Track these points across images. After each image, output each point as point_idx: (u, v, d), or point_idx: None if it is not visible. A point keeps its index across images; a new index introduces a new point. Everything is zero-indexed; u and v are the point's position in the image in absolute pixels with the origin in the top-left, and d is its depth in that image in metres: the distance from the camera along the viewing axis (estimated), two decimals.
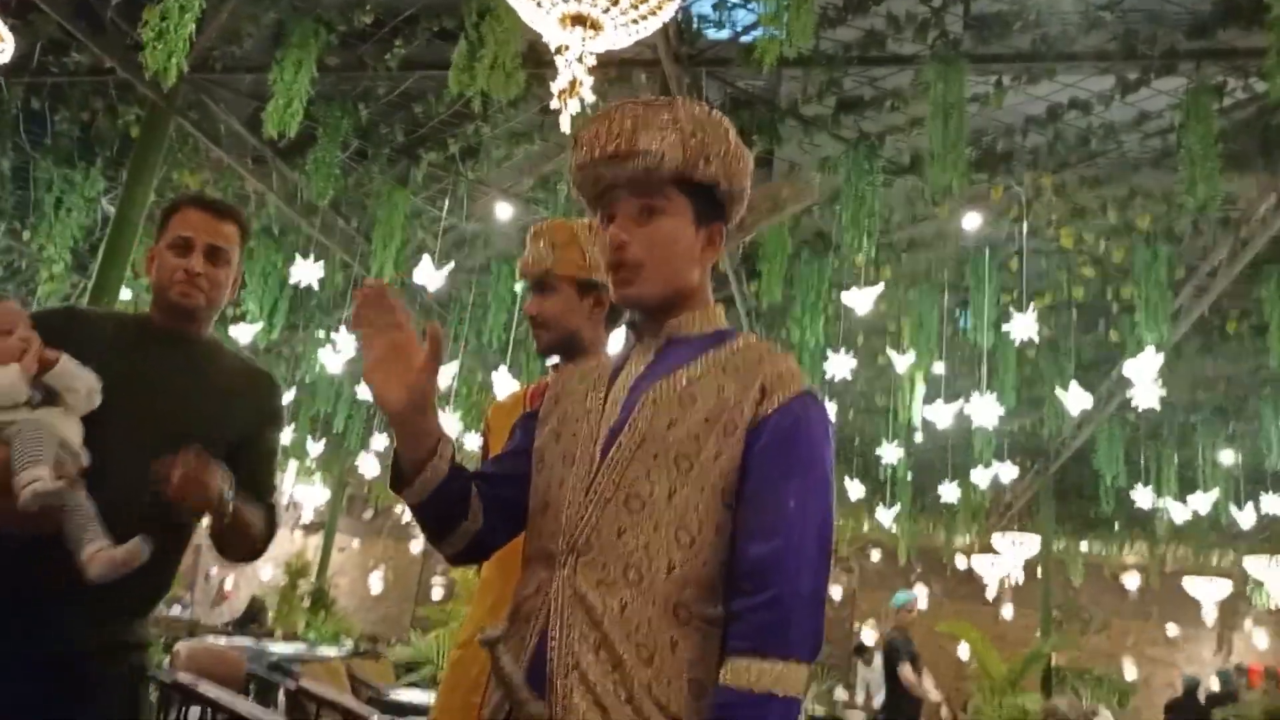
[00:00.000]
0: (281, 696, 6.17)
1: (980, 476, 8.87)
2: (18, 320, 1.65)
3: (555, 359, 1.97)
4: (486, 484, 1.36)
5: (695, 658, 1.16)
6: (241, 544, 1.77)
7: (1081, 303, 7.48)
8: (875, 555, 16.23)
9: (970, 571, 14.07)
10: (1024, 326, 6.09)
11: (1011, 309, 6.38)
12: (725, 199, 1.33)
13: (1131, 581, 15.75)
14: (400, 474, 1.28)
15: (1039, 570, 12.27)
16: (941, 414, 7.42)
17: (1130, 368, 6.10)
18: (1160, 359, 6.00)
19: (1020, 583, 13.27)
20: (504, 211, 6.95)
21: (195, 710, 4.70)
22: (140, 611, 1.73)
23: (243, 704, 3.98)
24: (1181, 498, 10.16)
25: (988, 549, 12.89)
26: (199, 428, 1.75)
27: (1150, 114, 5.46)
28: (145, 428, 1.70)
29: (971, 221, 6.44)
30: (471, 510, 1.32)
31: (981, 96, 5.18)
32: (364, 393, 9.51)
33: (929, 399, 7.73)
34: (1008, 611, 15.11)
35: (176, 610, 13.40)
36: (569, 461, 1.27)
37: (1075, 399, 6.80)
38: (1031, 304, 6.31)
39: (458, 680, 1.82)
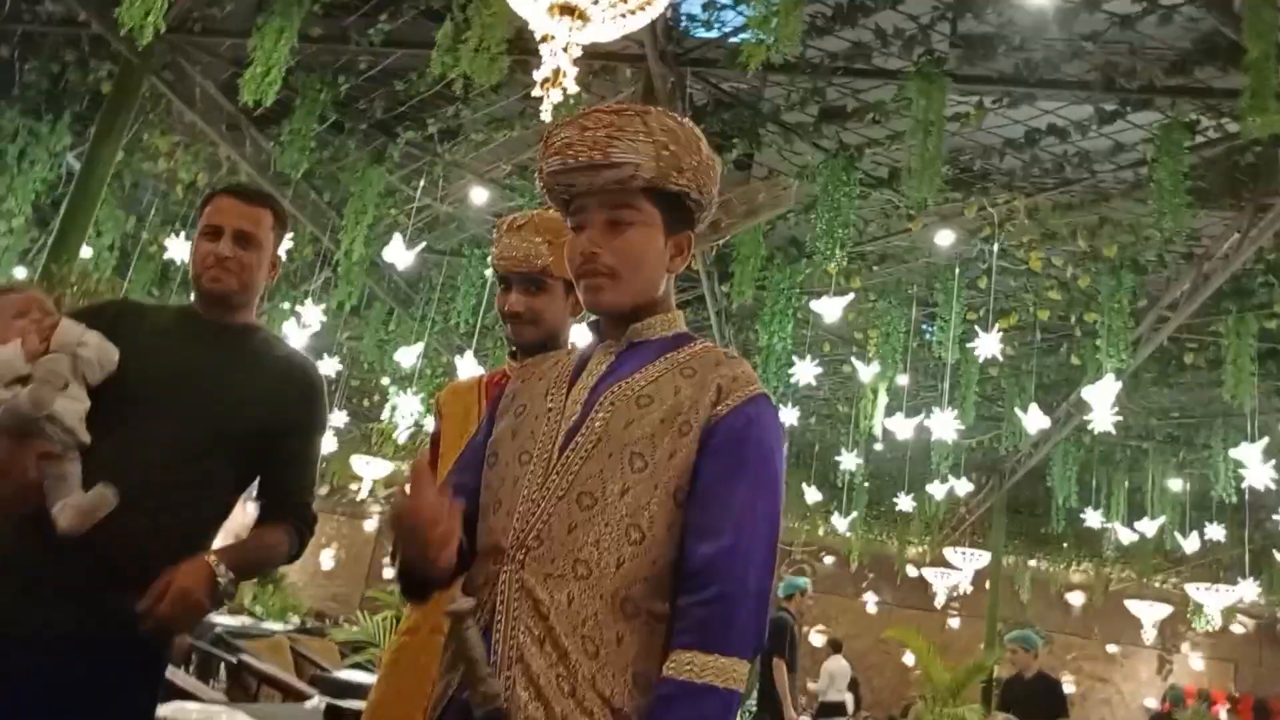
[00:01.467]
0: (223, 670, 6.11)
1: (936, 489, 8.98)
2: (34, 306, 1.68)
3: (515, 349, 1.95)
4: (461, 497, 1.34)
5: (640, 652, 1.17)
6: (266, 572, 1.84)
7: (1045, 324, 7.59)
8: (828, 560, 16.39)
9: (920, 580, 14.26)
10: (989, 345, 6.16)
11: (977, 326, 6.46)
12: (695, 208, 1.34)
13: (1076, 599, 16.08)
14: (423, 586, 1.29)
15: (987, 583, 12.46)
16: (902, 426, 7.49)
17: (1089, 392, 6.20)
18: (1119, 385, 6.11)
19: (968, 593, 13.49)
20: (479, 196, 6.90)
21: None
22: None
23: (179, 676, 3.92)
24: (1129, 521, 10.37)
25: (939, 560, 13.08)
26: (240, 417, 1.78)
27: (1125, 145, 5.54)
28: (187, 417, 1.72)
29: (944, 238, 6.50)
30: (465, 548, 1.30)
31: (962, 115, 5.22)
32: (326, 367, 9.41)
33: (890, 410, 7.81)
34: (955, 621, 15.34)
35: None
36: (525, 459, 1.27)
37: (1034, 419, 6.90)
38: (997, 323, 6.39)
39: (404, 668, 1.80)
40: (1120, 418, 6.45)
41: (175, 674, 3.84)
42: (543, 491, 1.23)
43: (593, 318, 1.41)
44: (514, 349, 1.95)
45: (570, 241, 1.34)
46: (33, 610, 1.55)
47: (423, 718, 1.68)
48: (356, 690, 3.66)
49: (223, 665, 6.13)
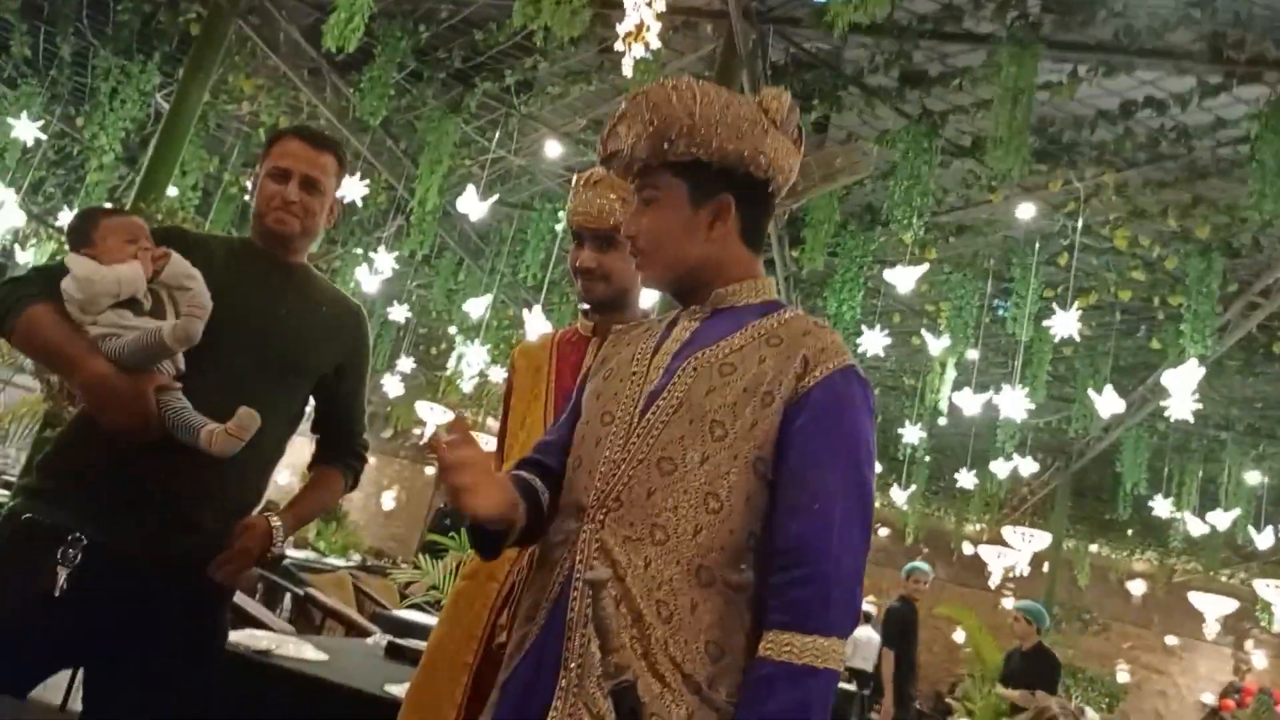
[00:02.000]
0: (288, 601, 6.33)
1: (999, 467, 8.81)
2: (139, 231, 1.73)
3: (587, 306, 1.95)
4: (547, 454, 1.40)
5: (714, 621, 1.18)
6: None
7: (1126, 305, 7.34)
8: (883, 532, 16.28)
9: (976, 558, 14.07)
10: (1066, 323, 5.98)
11: (1054, 305, 6.27)
12: (722, 169, 1.29)
13: (1137, 588, 15.71)
14: (492, 542, 1.31)
15: (1045, 565, 12.25)
16: (969, 401, 7.35)
17: (1169, 377, 5.99)
18: (1201, 371, 5.89)
19: (1025, 574, 13.26)
20: (552, 150, 6.89)
21: None
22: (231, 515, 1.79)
23: (250, 605, 4.08)
24: (1200, 512, 10.06)
25: (996, 539, 12.88)
26: (299, 354, 1.86)
27: (1227, 121, 5.28)
28: (254, 349, 1.78)
29: (1025, 211, 6.30)
30: (545, 503, 1.35)
31: (1054, 84, 5.03)
32: (395, 314, 9.58)
33: (958, 385, 7.66)
34: (1009, 602, 15.14)
35: None
36: (607, 420, 1.29)
37: (1108, 402, 6.70)
38: (1076, 302, 6.19)
39: (460, 612, 1.84)
40: (1200, 405, 6.22)
41: (246, 602, 4.00)
42: (624, 453, 1.24)
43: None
44: (586, 306, 1.95)
45: None
46: (138, 531, 1.65)
47: (473, 658, 1.75)
48: (415, 629, 3.76)
49: (289, 596, 6.37)
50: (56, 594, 1.57)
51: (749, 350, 1.26)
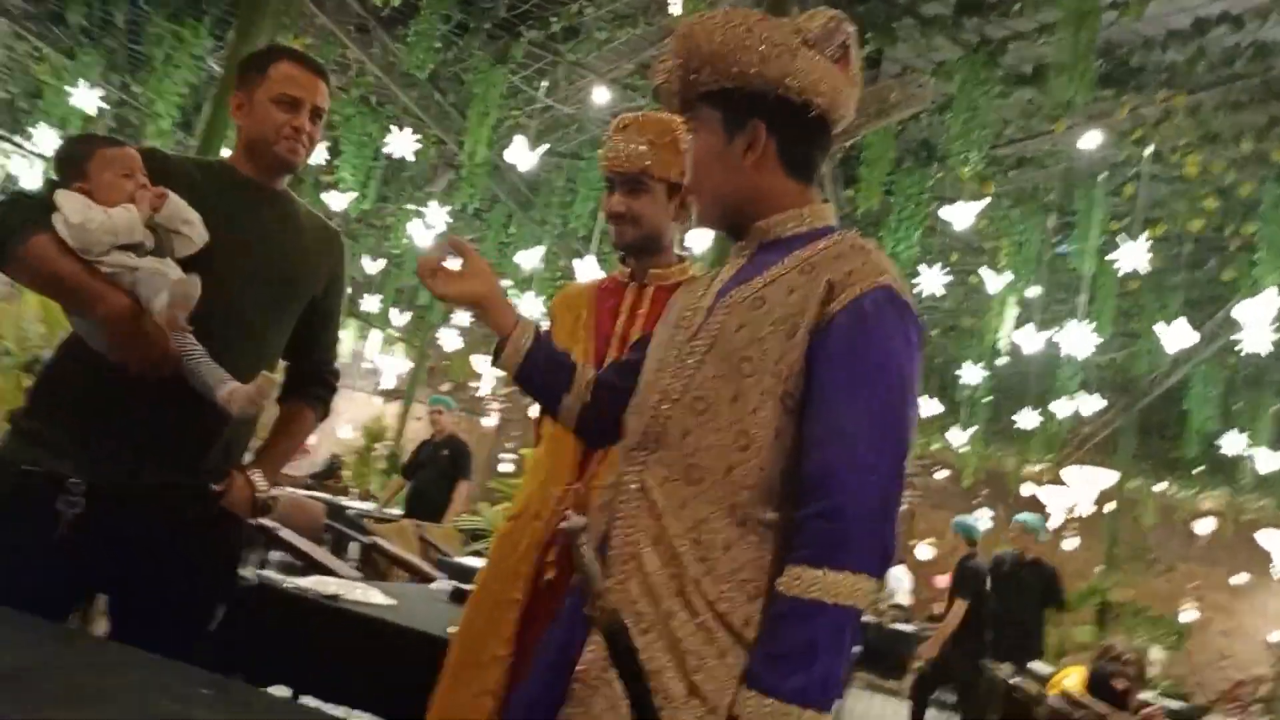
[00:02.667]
0: (355, 551, 6.52)
1: (1062, 407, 8.63)
2: (136, 164, 1.69)
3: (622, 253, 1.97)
4: (610, 372, 1.48)
5: (749, 560, 1.17)
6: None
7: (1197, 236, 7.07)
8: (940, 474, 16.14)
9: (1035, 499, 13.90)
10: (1133, 256, 5.78)
11: (1119, 237, 6.06)
12: (751, 95, 1.25)
13: (1204, 527, 15.39)
14: (497, 350, 1.43)
15: (1108, 506, 12.04)
16: (1031, 340, 7.19)
17: (1243, 309, 5.78)
18: (1278, 302, 5.66)
19: (1087, 515, 13.06)
20: (600, 96, 6.81)
21: (276, 555, 5.00)
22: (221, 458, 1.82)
23: (320, 553, 4.21)
24: (1274, 448, 9.76)
25: (1058, 479, 12.68)
26: (294, 278, 1.86)
27: None
28: (253, 278, 1.78)
29: (1090, 141, 6.06)
30: (574, 386, 1.43)
31: (1121, 4, 4.80)
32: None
33: (1019, 323, 7.49)
34: (1070, 544, 14.96)
35: None
36: (658, 366, 1.30)
37: (1177, 335, 6.48)
38: (1144, 233, 5.98)
39: (506, 552, 1.89)
40: (1277, 336, 5.99)
41: (315, 550, 4.13)
42: (664, 395, 1.24)
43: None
44: (622, 253, 1.96)
45: None
46: (140, 471, 1.67)
47: (520, 594, 1.79)
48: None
49: (355, 546, 6.56)
50: (58, 541, 1.57)
51: (782, 282, 1.23)
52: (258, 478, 1.79)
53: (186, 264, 1.69)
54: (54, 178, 1.69)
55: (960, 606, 6.50)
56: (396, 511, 8.41)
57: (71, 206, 1.59)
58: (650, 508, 1.20)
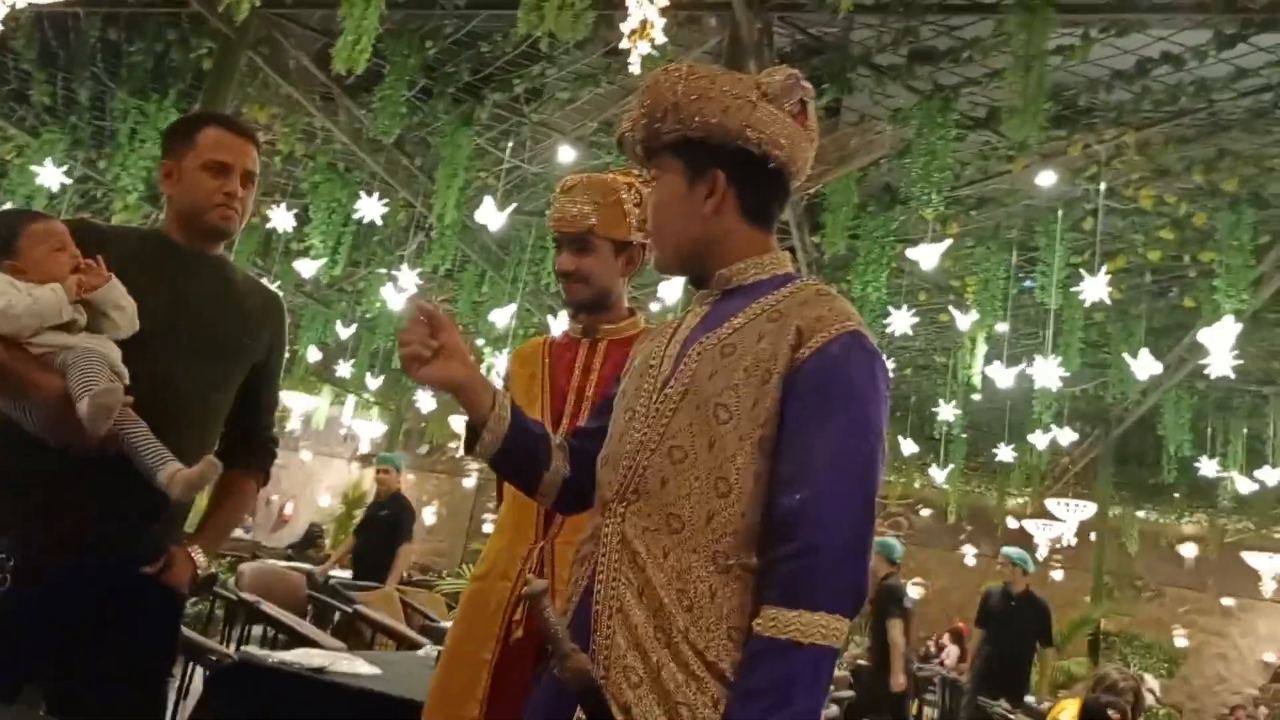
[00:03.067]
0: (338, 620, 6.40)
1: (1038, 439, 8.72)
2: (66, 238, 1.65)
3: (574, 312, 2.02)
4: (577, 438, 1.46)
5: (735, 607, 1.17)
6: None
7: (1156, 266, 7.23)
8: (925, 513, 16.16)
9: (1021, 531, 13.93)
10: (1095, 289, 5.90)
11: (1082, 270, 6.20)
12: (712, 145, 1.29)
13: (1188, 551, 15.47)
14: (473, 436, 1.39)
15: (1092, 535, 12.10)
16: (1002, 375, 7.28)
17: (1206, 335, 5.90)
18: (1239, 327, 5.79)
19: (1073, 545, 13.10)
20: (566, 155, 6.92)
21: (258, 630, 4.90)
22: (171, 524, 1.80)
23: (303, 625, 4.14)
24: (1248, 470, 9.88)
25: (1041, 512, 12.74)
26: (237, 344, 1.84)
27: (1247, 70, 5.18)
28: (196, 346, 1.75)
29: (1046, 179, 6.22)
30: (553, 460, 1.41)
31: (1066, 48, 4.96)
32: None
33: (989, 359, 7.59)
34: (1058, 574, 14.96)
35: (239, 532, 13.93)
36: (629, 415, 1.30)
37: (1144, 364, 6.60)
38: (1104, 266, 6.11)
39: (475, 612, 1.89)
40: (1240, 361, 6.11)
41: (298, 622, 4.06)
42: (639, 445, 1.25)
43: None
44: (574, 310, 2.01)
45: None
46: (76, 542, 1.63)
47: (490, 655, 1.78)
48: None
49: (336, 615, 6.44)
50: None
51: (749, 329, 1.25)
52: (197, 554, 1.76)
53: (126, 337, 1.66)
54: None
55: (894, 625, 6.29)
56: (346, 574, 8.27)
57: None
58: (632, 559, 1.20)
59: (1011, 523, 14.23)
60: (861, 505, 1.16)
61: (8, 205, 7.44)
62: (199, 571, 1.75)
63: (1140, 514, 14.71)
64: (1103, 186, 6.03)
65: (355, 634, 5.14)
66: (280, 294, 2.02)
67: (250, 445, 1.95)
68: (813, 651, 1.09)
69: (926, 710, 10.40)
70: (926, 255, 5.96)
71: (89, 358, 1.58)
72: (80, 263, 1.64)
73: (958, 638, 12.82)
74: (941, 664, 11.78)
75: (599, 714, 1.10)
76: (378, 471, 7.10)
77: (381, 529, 6.77)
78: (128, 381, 1.62)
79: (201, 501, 1.94)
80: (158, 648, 1.77)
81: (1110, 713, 4.24)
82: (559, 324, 7.29)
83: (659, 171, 1.34)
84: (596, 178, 1.94)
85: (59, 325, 1.58)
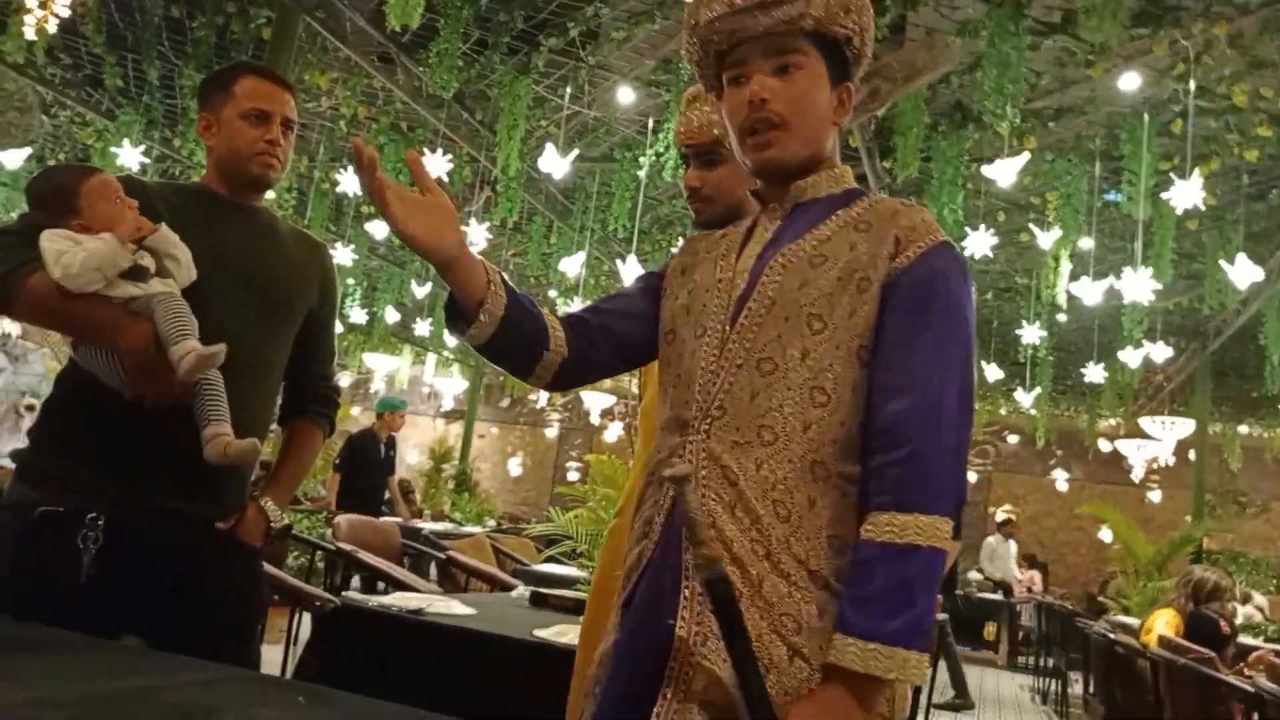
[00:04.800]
0: (433, 569, 6.62)
1: (1130, 357, 8.40)
2: (119, 189, 1.66)
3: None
4: (594, 314, 1.40)
5: (834, 515, 1.17)
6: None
7: (1254, 167, 6.82)
8: (1012, 439, 15.83)
9: (1114, 454, 13.54)
10: (1187, 194, 5.60)
11: (1173, 175, 5.88)
12: (855, 57, 1.31)
13: None
14: (460, 316, 1.29)
15: (1191, 453, 11.68)
16: (1089, 291, 7.01)
17: None
18: None
19: (1171, 465, 12.69)
20: (625, 97, 6.84)
21: (357, 579, 5.11)
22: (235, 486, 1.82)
23: (399, 571, 4.29)
24: None
25: (1135, 432, 12.33)
26: (288, 293, 1.84)
27: None
28: (245, 297, 1.75)
29: (1129, 82, 5.89)
30: (553, 341, 1.33)
31: None
32: None
33: (1074, 276, 7.32)
34: (1155, 495, 14.54)
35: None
36: (699, 333, 1.27)
37: (1243, 271, 6.27)
38: (1195, 170, 5.79)
39: (617, 545, 1.88)
40: None
41: (395, 569, 4.21)
42: (720, 362, 1.23)
43: (753, 186, 1.39)
44: (700, 230, 1.94)
45: (731, 93, 1.30)
46: (156, 501, 1.65)
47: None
48: (556, 580, 3.88)
49: (432, 564, 6.66)
50: (83, 581, 1.54)
51: (838, 238, 1.24)
52: (270, 505, 1.78)
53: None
54: (35, 213, 1.65)
55: None
56: (473, 529, 8.54)
57: (52, 253, 1.55)
58: (723, 474, 1.19)
59: (1104, 445, 13.83)
60: (963, 411, 1.17)
61: None
62: (273, 524, 1.77)
63: (1243, 429, 14.14)
64: (1192, 85, 5.69)
65: (450, 579, 5.31)
66: (324, 244, 2.01)
67: (313, 395, 1.95)
68: (928, 553, 1.10)
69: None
70: (1003, 172, 5.73)
71: (171, 302, 1.60)
72: (137, 213, 1.66)
73: (1034, 563, 12.81)
74: (1029, 589, 11.69)
75: (725, 604, 1.08)
76: (386, 416, 7.83)
77: (387, 466, 7.74)
78: (196, 331, 1.63)
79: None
80: (242, 600, 1.79)
81: (1220, 622, 4.12)
82: (628, 269, 7.27)
83: (801, 56, 1.26)
84: None
85: (130, 274, 1.59)
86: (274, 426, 1.98)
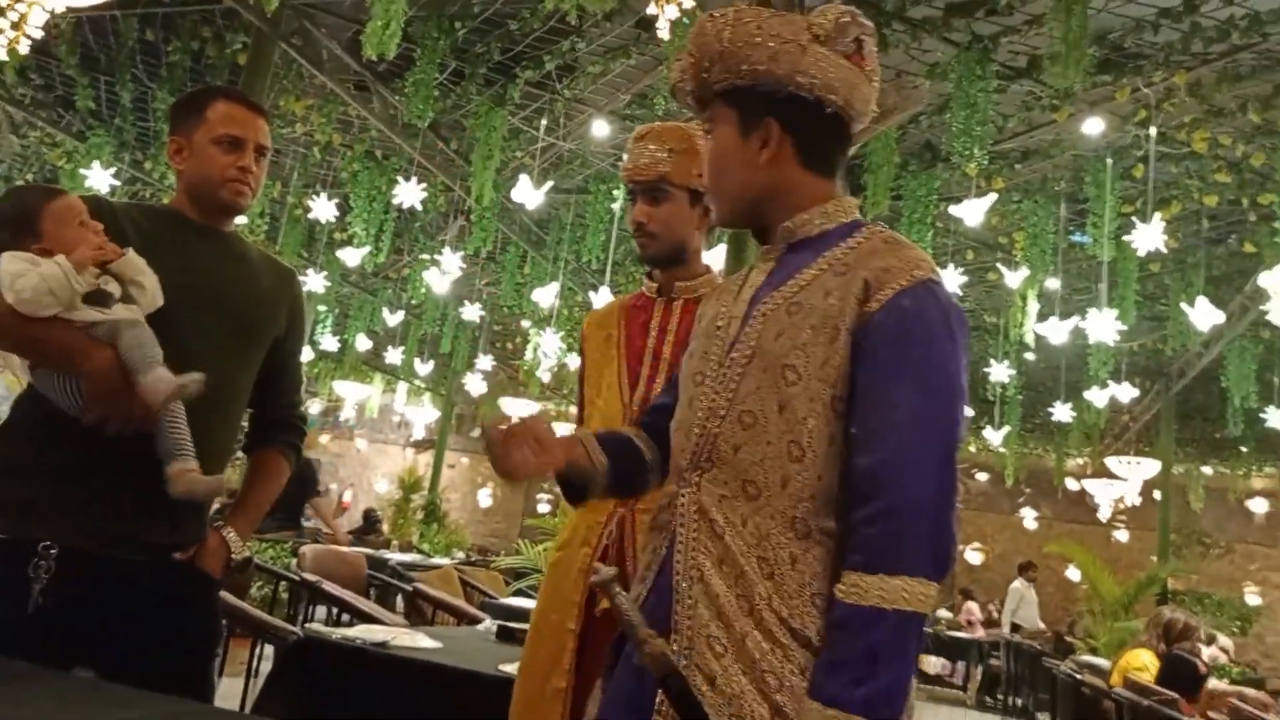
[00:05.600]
0: (399, 600, 6.52)
1: (1096, 397, 8.53)
2: (84, 212, 1.62)
3: (651, 270, 1.96)
4: (653, 414, 1.44)
5: (817, 572, 1.14)
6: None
7: (1213, 211, 6.99)
8: (981, 477, 15.95)
9: (1082, 493, 13.68)
10: (1150, 237, 5.73)
11: (1135, 219, 6.02)
12: (763, 92, 1.24)
13: (1258, 506, 15.07)
14: (579, 493, 1.39)
15: (1156, 493, 11.83)
16: (1056, 330, 7.12)
17: (1268, 279, 5.70)
18: None
19: (1136, 505, 12.84)
20: (600, 130, 6.90)
21: (321, 610, 5.02)
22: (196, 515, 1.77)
23: (365, 603, 4.22)
24: None
25: (1101, 471, 12.48)
26: (255, 320, 1.80)
27: None
28: (214, 323, 1.72)
29: (1093, 126, 6.04)
30: (648, 458, 1.40)
31: None
32: (469, 314, 9.74)
33: (1042, 315, 7.43)
34: (1122, 535, 14.69)
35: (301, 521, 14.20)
36: (698, 380, 1.26)
37: (1204, 314, 6.41)
38: (1157, 214, 5.92)
39: (558, 581, 1.88)
40: None
41: (360, 601, 4.14)
42: (709, 411, 1.22)
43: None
44: (648, 267, 1.95)
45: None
46: (113, 527, 1.60)
47: (575, 624, 1.78)
48: (523, 614, 3.83)
49: (399, 595, 6.56)
50: (30, 610, 1.50)
51: (815, 285, 1.20)
52: (231, 536, 1.73)
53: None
54: None
55: None
56: (441, 560, 8.44)
57: (7, 276, 1.51)
58: (710, 528, 1.17)
59: (1071, 484, 13.97)
60: (942, 463, 1.11)
61: None
62: (233, 556, 1.73)
63: (1206, 469, 14.34)
64: (1153, 131, 5.83)
65: (416, 612, 5.23)
66: (293, 270, 1.98)
67: (279, 423, 1.91)
68: (896, 618, 1.05)
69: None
70: (971, 212, 5.84)
71: (136, 329, 1.57)
72: (103, 237, 1.62)
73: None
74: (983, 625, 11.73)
75: (681, 697, 1.07)
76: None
77: (294, 482, 7.85)
78: (161, 358, 1.59)
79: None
80: (198, 631, 1.74)
81: (1197, 663, 4.13)
82: (600, 300, 7.29)
83: (713, 122, 1.28)
84: (671, 125, 1.87)
85: (92, 299, 1.56)
86: (238, 455, 1.95)
